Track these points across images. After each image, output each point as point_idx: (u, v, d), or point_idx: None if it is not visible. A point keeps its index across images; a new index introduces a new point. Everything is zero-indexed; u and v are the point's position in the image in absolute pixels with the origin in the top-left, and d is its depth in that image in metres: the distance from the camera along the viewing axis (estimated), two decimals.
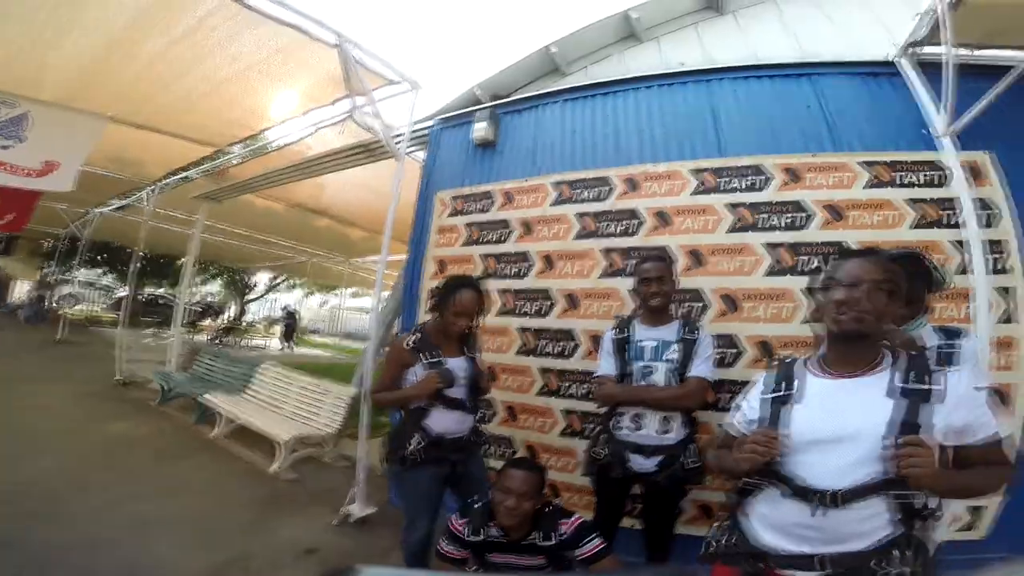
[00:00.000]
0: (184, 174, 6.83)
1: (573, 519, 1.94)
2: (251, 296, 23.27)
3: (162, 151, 5.90)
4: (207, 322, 17.65)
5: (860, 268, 1.26)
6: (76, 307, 16.41)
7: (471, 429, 2.36)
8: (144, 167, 6.78)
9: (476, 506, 2.00)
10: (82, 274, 17.07)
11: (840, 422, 1.21)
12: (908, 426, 1.16)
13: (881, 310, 1.23)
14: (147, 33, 3.51)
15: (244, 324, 19.23)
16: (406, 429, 2.24)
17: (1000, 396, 2.42)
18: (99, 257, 17.51)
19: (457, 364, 2.26)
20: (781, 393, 1.35)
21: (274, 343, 15.81)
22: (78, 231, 11.08)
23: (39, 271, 17.03)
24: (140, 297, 18.18)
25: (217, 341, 13.84)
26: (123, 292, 15.86)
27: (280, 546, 2.89)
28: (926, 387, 1.19)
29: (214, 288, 23.64)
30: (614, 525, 2.35)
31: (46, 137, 4.62)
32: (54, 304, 15.25)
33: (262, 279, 22.96)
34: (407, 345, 2.26)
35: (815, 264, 2.69)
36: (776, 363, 1.45)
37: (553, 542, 1.88)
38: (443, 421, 2.23)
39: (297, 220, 8.65)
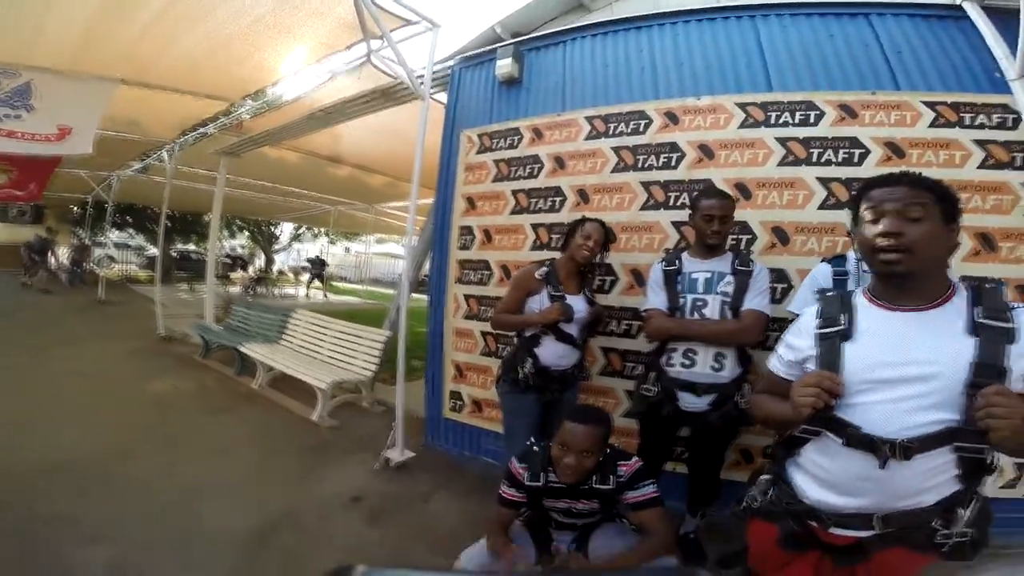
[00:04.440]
0: (201, 130, 6.75)
1: (633, 461, 1.85)
2: (277, 247, 23.63)
3: (176, 109, 5.88)
4: (237, 274, 17.99)
5: (900, 195, 1.08)
6: (113, 267, 16.89)
7: (576, 364, 2.51)
8: (159, 127, 6.75)
9: (535, 449, 1.92)
10: (114, 236, 17.44)
11: (909, 359, 1.06)
12: (992, 369, 1.00)
13: (932, 240, 1.06)
14: None
15: (274, 274, 19.61)
16: (518, 354, 2.44)
17: None
18: (127, 218, 17.86)
19: (575, 301, 2.41)
20: (838, 328, 1.17)
21: (302, 291, 16.09)
22: (104, 194, 11.22)
23: (71, 235, 17.46)
24: (172, 254, 18.63)
25: (249, 292, 14.12)
26: (154, 251, 16.24)
27: (327, 496, 2.96)
28: (1003, 325, 1.03)
29: (241, 241, 24.03)
30: (659, 467, 2.32)
31: (54, 104, 4.61)
32: (92, 266, 15.70)
33: (287, 230, 23.23)
34: (538, 275, 2.45)
35: None
36: (829, 294, 1.28)
37: (611, 485, 1.80)
38: (552, 352, 2.40)
39: (316, 170, 8.60)
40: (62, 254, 15.69)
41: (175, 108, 5.80)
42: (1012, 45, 2.51)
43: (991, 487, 2.33)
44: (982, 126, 2.58)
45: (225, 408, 4.50)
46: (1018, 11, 2.37)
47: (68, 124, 4.76)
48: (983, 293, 1.09)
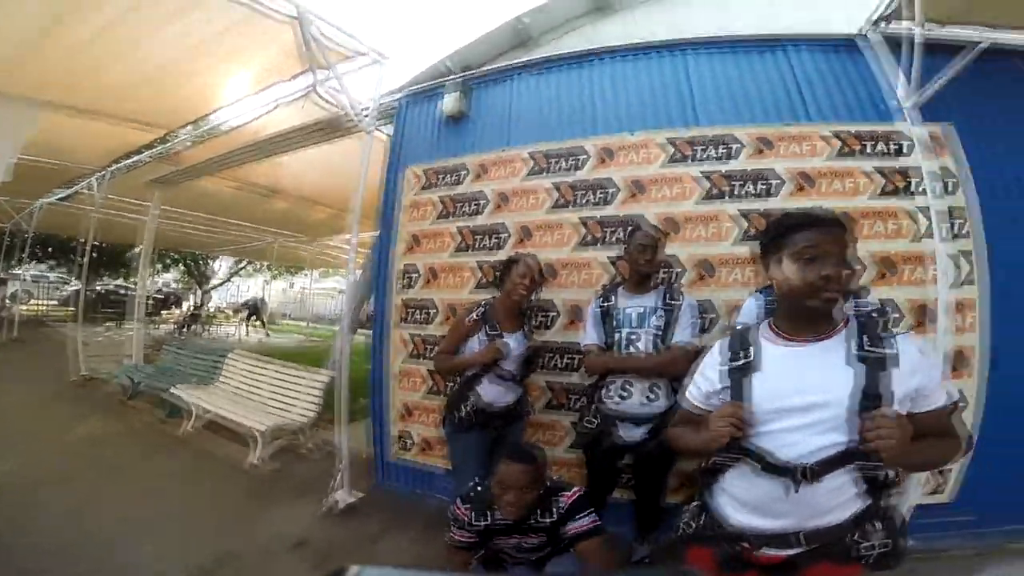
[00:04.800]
0: (134, 158, 6.46)
1: (572, 492, 1.88)
2: (214, 283, 22.56)
3: (107, 136, 5.56)
4: (170, 312, 17.01)
5: (835, 237, 1.18)
6: (27, 304, 15.58)
7: (517, 400, 2.54)
8: (89, 154, 6.37)
9: (479, 489, 1.93)
10: (31, 269, 16.17)
11: (807, 388, 1.17)
12: (871, 395, 1.13)
13: (853, 278, 1.21)
14: (81, 14, 3.25)
15: (209, 312, 18.64)
16: (459, 394, 2.48)
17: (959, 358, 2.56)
18: (48, 250, 16.62)
19: (513, 339, 2.45)
20: (741, 362, 1.27)
21: (242, 330, 15.36)
22: (25, 224, 10.43)
23: None
24: (96, 290, 17.42)
25: (181, 331, 13.37)
26: (76, 286, 15.14)
27: (269, 541, 2.83)
28: (883, 352, 1.16)
29: (175, 276, 22.81)
30: (605, 497, 2.41)
31: None
32: (4, 302, 14.45)
33: (224, 264, 22.26)
34: (474, 315, 2.50)
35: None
36: (729, 330, 1.40)
37: (553, 518, 1.83)
38: (492, 391, 2.44)
39: (256, 202, 8.33)
40: None
41: (107, 135, 5.49)
42: (907, 74, 2.77)
43: (918, 494, 2.51)
44: (880, 154, 2.84)
45: (154, 451, 4.22)
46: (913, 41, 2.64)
47: None
48: (867, 323, 1.22)
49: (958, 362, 2.56)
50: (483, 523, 1.86)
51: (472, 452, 2.44)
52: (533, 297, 2.59)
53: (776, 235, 1.24)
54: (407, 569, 1.82)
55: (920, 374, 1.15)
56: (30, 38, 3.54)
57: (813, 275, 1.15)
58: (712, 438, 1.20)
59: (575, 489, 1.90)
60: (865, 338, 1.18)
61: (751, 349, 1.27)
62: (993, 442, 2.47)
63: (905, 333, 1.23)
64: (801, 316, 1.23)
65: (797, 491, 1.12)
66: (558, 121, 3.45)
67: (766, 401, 1.20)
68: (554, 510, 1.83)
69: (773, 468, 1.16)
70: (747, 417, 1.18)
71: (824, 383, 1.15)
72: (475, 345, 2.46)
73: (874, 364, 1.14)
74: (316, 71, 3.82)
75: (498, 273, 2.63)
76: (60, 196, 8.46)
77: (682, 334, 2.21)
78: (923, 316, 2.62)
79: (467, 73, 3.96)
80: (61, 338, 10.35)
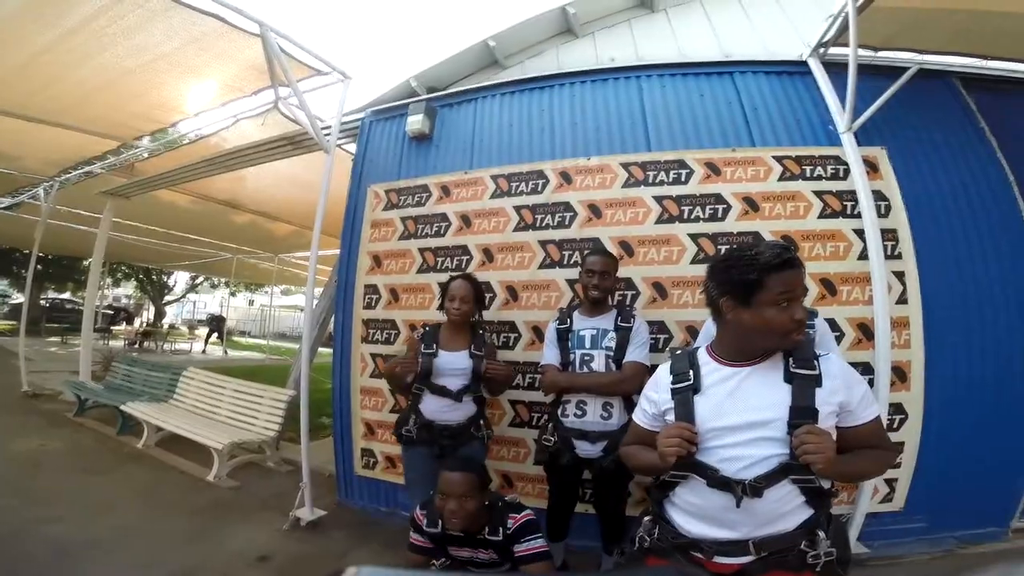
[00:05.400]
0: (86, 168, 6.26)
1: (522, 515, 1.93)
2: (169, 297, 21.79)
3: (58, 145, 5.40)
4: (122, 327, 16.33)
5: (801, 275, 1.25)
6: None
7: (469, 419, 2.52)
8: (37, 162, 6.17)
9: (434, 498, 1.99)
10: None
11: (747, 407, 1.24)
12: (805, 410, 1.20)
13: None
14: (40, 22, 3.20)
15: (164, 327, 17.96)
16: (407, 409, 2.56)
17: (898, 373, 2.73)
18: None
19: (453, 357, 2.50)
20: (689, 383, 1.33)
21: (197, 346, 14.87)
22: None
23: None
24: (42, 302, 16.59)
25: (134, 346, 12.86)
26: (21, 298, 14.39)
27: (229, 556, 2.78)
28: (813, 372, 1.24)
29: (127, 291, 21.91)
30: (569, 511, 2.50)
31: None
32: None
33: (181, 279, 21.55)
34: (415, 335, 2.65)
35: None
36: (677, 352, 1.44)
37: (499, 537, 1.89)
38: (432, 406, 2.48)
39: (217, 216, 8.16)
40: None
41: (58, 143, 5.33)
42: (845, 99, 2.92)
43: (870, 503, 2.66)
44: (819, 177, 2.99)
45: (106, 468, 4.06)
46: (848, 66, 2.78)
47: None
48: (800, 344, 1.28)
49: (897, 376, 2.72)
50: (435, 530, 1.95)
51: (418, 467, 2.49)
52: (475, 316, 2.65)
53: (751, 278, 1.23)
54: (405, 570, 1.85)
55: (843, 391, 1.23)
56: None
57: (788, 319, 1.20)
58: (661, 456, 1.26)
59: (525, 512, 1.95)
60: (793, 360, 1.26)
61: (694, 371, 1.34)
62: (935, 451, 2.66)
63: (829, 355, 1.30)
64: (755, 351, 1.29)
65: (739, 506, 1.20)
66: (519, 144, 3.54)
67: (709, 420, 1.26)
68: (500, 529, 1.89)
69: (718, 483, 1.22)
70: (692, 437, 1.24)
71: (763, 401, 1.23)
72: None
73: (802, 382, 1.23)
74: (278, 87, 3.82)
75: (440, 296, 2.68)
76: (4, 205, 8.08)
77: (634, 353, 2.31)
78: (863, 334, 2.77)
79: (433, 95, 4.01)
80: (5, 351, 9.85)
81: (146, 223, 8.89)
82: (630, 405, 2.31)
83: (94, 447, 4.66)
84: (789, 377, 1.25)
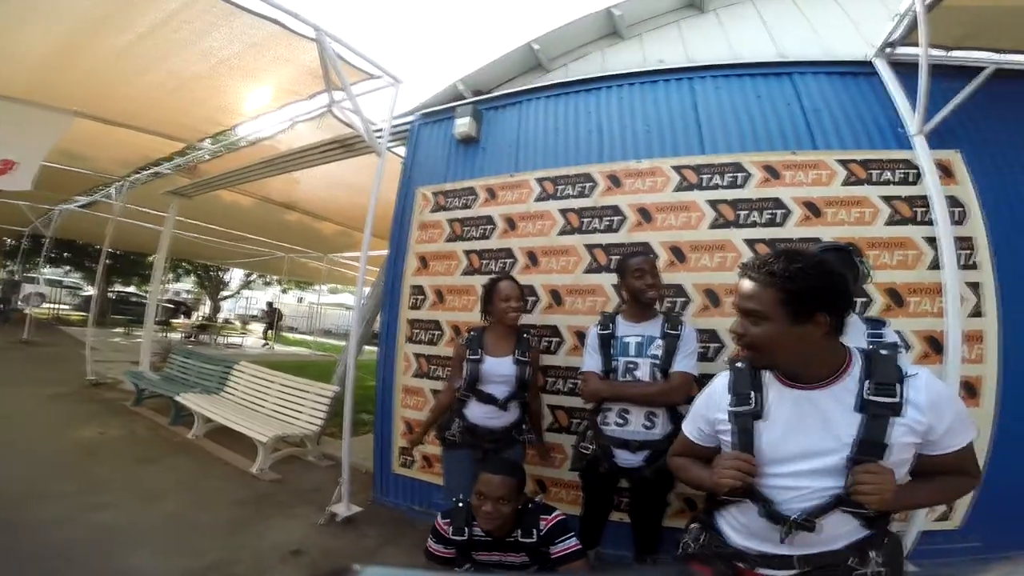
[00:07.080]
0: (154, 169, 6.63)
1: (553, 515, 1.95)
2: (225, 293, 22.83)
3: (129, 146, 5.74)
4: (180, 320, 17.20)
5: (758, 290, 1.16)
6: (42, 306, 15.85)
7: (512, 424, 2.54)
8: (111, 163, 6.57)
9: (459, 506, 2.01)
10: (47, 272, 16.48)
11: (808, 438, 1.16)
12: (873, 446, 1.10)
13: (772, 340, 1.14)
14: (113, 26, 3.38)
15: (219, 321, 18.84)
16: (452, 413, 2.57)
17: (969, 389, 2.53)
18: (64, 255, 16.95)
19: (498, 363, 2.51)
20: (751, 407, 1.24)
21: (249, 341, 15.48)
22: (41, 228, 10.67)
23: (1, 270, 16.41)
24: (110, 295, 17.68)
25: (191, 339, 13.51)
26: (91, 291, 15.40)
27: (264, 549, 2.84)
28: (892, 400, 1.11)
29: (186, 285, 23.11)
30: (602, 519, 2.41)
31: (1, 135, 4.42)
32: (19, 303, 14.70)
33: (236, 276, 22.55)
34: (461, 342, 2.66)
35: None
36: (739, 366, 1.32)
37: (533, 539, 1.90)
38: (478, 412, 2.50)
39: (270, 216, 8.49)
40: None
41: (130, 145, 5.66)
42: (915, 100, 2.75)
43: (925, 521, 2.49)
44: (888, 182, 2.81)
45: (156, 457, 4.25)
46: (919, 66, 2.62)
47: (12, 158, 4.59)
48: (875, 363, 1.16)
49: (967, 392, 2.53)
50: (461, 538, 1.95)
51: (460, 470, 2.49)
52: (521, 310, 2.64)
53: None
54: (408, 569, 1.84)
55: (928, 420, 1.10)
56: (66, 49, 3.68)
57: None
58: (716, 484, 1.22)
59: (556, 513, 1.97)
60: (870, 383, 1.13)
61: (758, 395, 1.25)
62: (1002, 470, 2.44)
63: (917, 374, 1.14)
64: (824, 373, 1.18)
65: (783, 541, 1.14)
66: (565, 147, 3.50)
67: (771, 450, 1.19)
68: (534, 531, 1.91)
69: (771, 516, 1.17)
70: (751, 470, 1.18)
71: (828, 432, 1.14)
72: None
73: (877, 411, 1.11)
74: (332, 92, 3.94)
75: (481, 303, 2.67)
76: (81, 203, 8.67)
77: (681, 363, 2.21)
78: (931, 348, 2.59)
79: (478, 98, 4.03)
80: (74, 341, 10.55)
81: (206, 222, 9.34)
82: (675, 414, 2.23)
83: (147, 436, 4.88)
84: (863, 405, 1.12)
